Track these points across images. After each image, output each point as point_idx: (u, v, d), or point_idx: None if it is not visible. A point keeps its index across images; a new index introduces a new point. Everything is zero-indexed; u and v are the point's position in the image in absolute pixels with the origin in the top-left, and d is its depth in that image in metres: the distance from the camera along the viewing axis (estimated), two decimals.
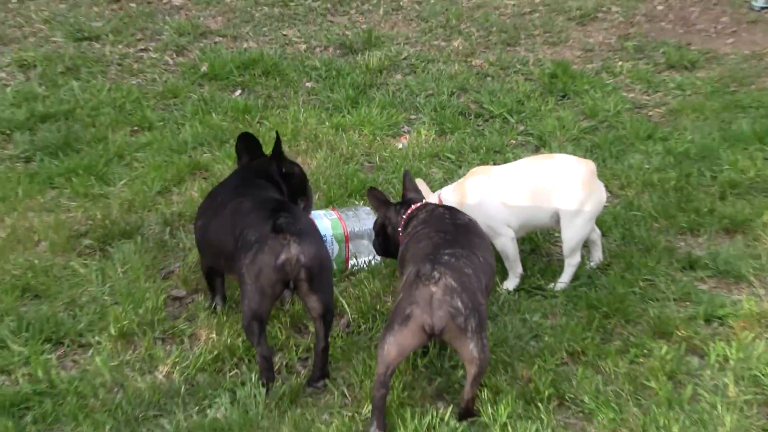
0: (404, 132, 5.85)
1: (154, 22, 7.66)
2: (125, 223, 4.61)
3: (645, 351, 3.73)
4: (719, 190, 5.02)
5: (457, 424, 3.30)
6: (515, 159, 4.84)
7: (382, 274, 4.24)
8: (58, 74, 6.50)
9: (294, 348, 3.76)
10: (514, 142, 5.72)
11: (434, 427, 3.29)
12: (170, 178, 5.09)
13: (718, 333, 3.88)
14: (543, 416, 3.34)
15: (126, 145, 5.49)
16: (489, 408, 3.35)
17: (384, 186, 4.99)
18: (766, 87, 6.46)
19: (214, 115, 5.91)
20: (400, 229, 3.83)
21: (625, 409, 3.40)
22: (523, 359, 3.65)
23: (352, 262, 4.34)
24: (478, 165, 4.97)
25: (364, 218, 4.39)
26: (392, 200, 4.02)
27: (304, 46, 7.32)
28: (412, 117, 6.09)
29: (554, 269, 4.31)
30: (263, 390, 3.43)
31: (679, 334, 3.83)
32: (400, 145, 5.62)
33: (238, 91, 6.42)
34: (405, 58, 7.05)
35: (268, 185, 3.88)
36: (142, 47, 7.18)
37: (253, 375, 3.52)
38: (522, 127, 5.92)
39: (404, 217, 3.83)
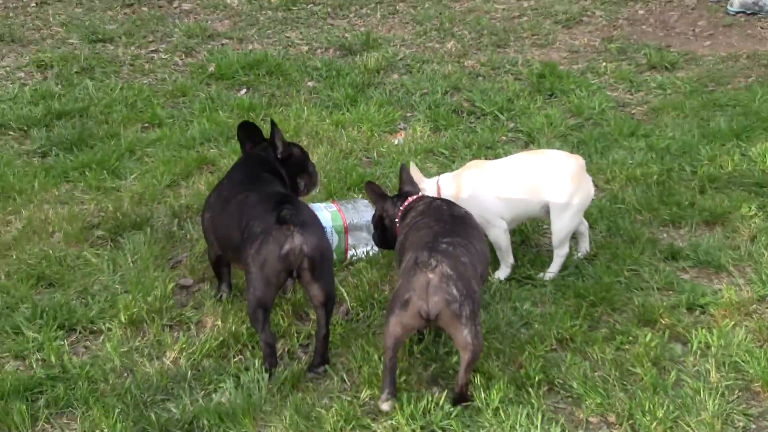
0: (400, 129, 5.78)
1: (165, 25, 7.60)
2: (136, 215, 4.54)
3: (630, 338, 3.65)
4: (699, 184, 4.92)
5: (452, 408, 3.23)
6: (506, 155, 4.76)
7: (380, 264, 4.16)
8: (73, 74, 6.43)
9: (296, 335, 3.69)
10: (504, 138, 5.64)
11: (429, 411, 3.22)
12: (179, 172, 5.02)
13: (700, 321, 3.80)
14: (533, 401, 3.27)
15: (137, 140, 5.43)
16: (482, 393, 3.28)
17: (381, 180, 4.91)
18: (741, 86, 6.38)
19: (220, 112, 5.85)
20: (397, 220, 3.75)
21: (611, 394, 3.32)
22: (514, 346, 3.58)
23: (350, 252, 4.26)
24: (471, 160, 4.89)
25: (363, 210, 4.32)
26: (389, 193, 3.94)
27: (305, 48, 7.25)
28: (408, 114, 6.02)
29: (543, 260, 4.23)
30: (266, 375, 3.36)
31: (663, 322, 3.75)
32: (397, 141, 5.55)
33: (244, 90, 6.35)
34: (401, 59, 6.97)
35: (272, 178, 3.80)
36: (153, 49, 7.11)
37: (256, 361, 3.45)
38: (512, 124, 5.84)
39: (401, 209, 3.75)
